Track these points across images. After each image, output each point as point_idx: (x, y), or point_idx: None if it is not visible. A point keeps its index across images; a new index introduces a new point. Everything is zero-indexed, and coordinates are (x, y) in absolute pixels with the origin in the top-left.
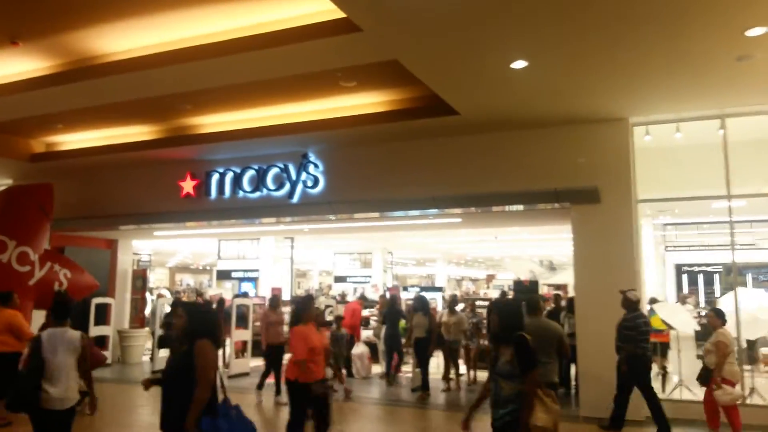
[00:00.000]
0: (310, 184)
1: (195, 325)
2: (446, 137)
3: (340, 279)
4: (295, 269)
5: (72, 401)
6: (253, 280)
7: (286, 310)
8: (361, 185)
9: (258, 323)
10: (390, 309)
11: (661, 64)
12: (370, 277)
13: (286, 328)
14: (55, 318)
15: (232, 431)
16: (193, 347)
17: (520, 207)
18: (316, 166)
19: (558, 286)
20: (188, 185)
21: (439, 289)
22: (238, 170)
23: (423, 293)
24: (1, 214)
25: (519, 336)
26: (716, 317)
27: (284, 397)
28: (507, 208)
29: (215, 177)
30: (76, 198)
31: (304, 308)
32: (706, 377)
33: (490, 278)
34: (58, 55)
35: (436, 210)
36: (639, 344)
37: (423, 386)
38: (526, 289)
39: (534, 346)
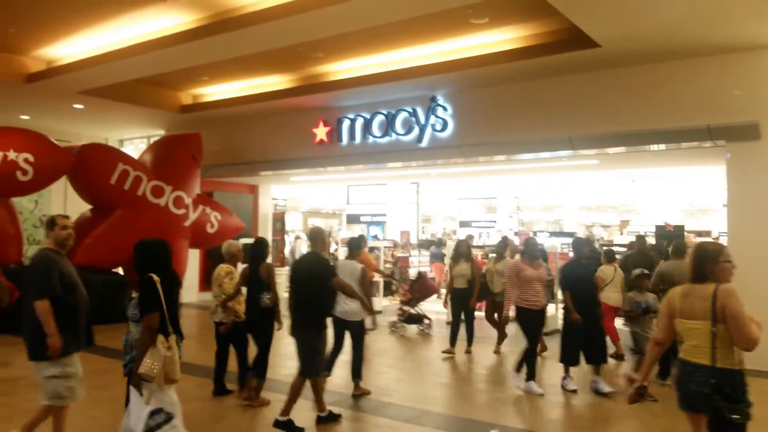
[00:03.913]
0: (438, 127)
1: None
2: (583, 73)
3: (464, 224)
4: (420, 214)
5: (357, 316)
6: (381, 224)
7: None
8: (492, 127)
9: (388, 265)
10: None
11: None
12: (494, 222)
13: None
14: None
15: None
16: None
17: (664, 146)
18: (444, 109)
19: (700, 233)
20: (321, 132)
21: (570, 235)
22: (367, 116)
23: (552, 239)
24: (157, 161)
25: (145, 277)
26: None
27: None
28: (652, 147)
29: (346, 123)
30: (221, 146)
31: None
32: None
33: (623, 224)
34: (201, 9)
35: (572, 151)
36: None
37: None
38: (670, 235)
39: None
